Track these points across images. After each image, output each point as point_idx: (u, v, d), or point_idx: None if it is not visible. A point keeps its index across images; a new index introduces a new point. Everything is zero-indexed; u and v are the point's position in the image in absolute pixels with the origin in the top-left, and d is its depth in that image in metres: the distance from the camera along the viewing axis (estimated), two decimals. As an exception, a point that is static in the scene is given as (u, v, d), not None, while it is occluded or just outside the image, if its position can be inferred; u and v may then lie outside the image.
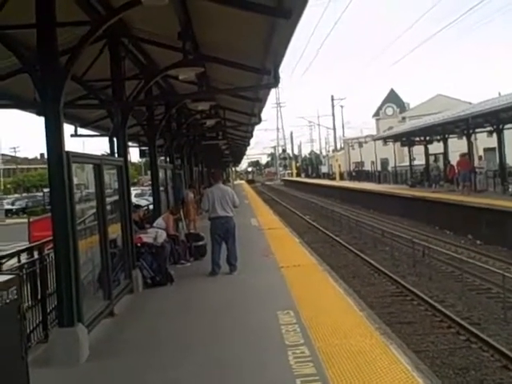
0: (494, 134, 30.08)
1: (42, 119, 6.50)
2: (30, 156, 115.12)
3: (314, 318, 7.46)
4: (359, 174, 59.96)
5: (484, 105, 28.30)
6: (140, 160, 75.29)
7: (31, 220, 20.65)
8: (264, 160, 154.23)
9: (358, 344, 6.36)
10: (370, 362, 5.77)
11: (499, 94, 39.12)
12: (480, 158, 36.29)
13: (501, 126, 28.97)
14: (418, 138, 39.02)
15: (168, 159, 18.34)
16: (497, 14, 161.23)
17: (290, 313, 7.79)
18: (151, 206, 15.57)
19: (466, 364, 9.18)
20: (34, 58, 6.86)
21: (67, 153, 6.44)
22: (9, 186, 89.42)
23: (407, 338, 10.34)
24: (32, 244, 8.99)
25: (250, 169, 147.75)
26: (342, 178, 64.97)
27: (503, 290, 11.93)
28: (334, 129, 74.52)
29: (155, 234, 11.33)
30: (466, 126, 30.72)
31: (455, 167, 30.51)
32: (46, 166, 6.67)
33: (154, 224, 12.41)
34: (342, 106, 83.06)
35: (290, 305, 8.24)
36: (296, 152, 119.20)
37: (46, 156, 6.49)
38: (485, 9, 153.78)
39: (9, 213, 52.58)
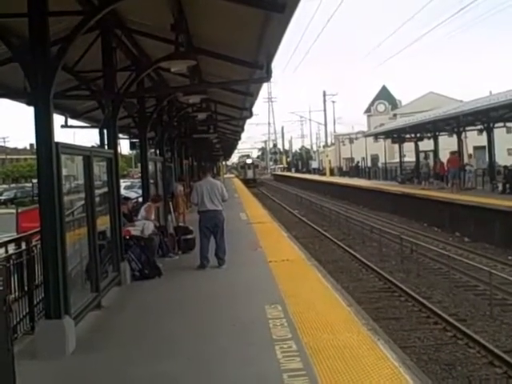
0: (484, 133, 30.25)
1: (32, 109, 6.44)
2: (20, 146, 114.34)
3: (301, 313, 7.48)
4: (356, 169, 59.61)
5: (475, 103, 28.42)
6: (130, 152, 74.92)
7: (19, 211, 20.55)
8: (255, 154, 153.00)
9: (346, 339, 6.37)
10: (357, 357, 5.79)
11: (490, 92, 39.30)
12: (470, 156, 36.46)
13: (491, 125, 29.16)
14: (408, 135, 39.18)
15: (158, 152, 18.27)
16: (489, 14, 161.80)
17: (277, 307, 7.80)
18: (140, 199, 15.51)
19: (452, 360, 9.26)
20: (25, 47, 6.78)
21: (57, 143, 6.39)
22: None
23: (394, 333, 10.40)
24: (19, 235, 8.94)
25: (249, 160, 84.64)
26: (332, 173, 65.05)
27: (490, 286, 12.02)
28: (326, 124, 74.72)
29: (142, 226, 11.29)
30: (456, 124, 30.89)
31: (445, 164, 30.64)
32: (35, 156, 6.62)
33: (139, 216, 12.32)
34: (333, 102, 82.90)
35: (278, 299, 8.25)
36: (287, 147, 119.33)
37: (35, 146, 6.44)
38: (478, 8, 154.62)
39: (-4, 203, 52.27)
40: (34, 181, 44.82)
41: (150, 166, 14.70)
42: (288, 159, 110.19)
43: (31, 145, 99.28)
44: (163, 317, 7.89)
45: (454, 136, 33.08)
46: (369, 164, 63.18)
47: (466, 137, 37.76)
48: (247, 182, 63.30)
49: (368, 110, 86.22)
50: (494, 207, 20.06)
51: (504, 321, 11.03)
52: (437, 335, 10.47)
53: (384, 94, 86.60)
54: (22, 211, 20.48)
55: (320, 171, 74.97)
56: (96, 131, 12.89)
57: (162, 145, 17.92)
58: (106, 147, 10.53)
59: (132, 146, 22.34)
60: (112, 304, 8.66)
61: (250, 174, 74.27)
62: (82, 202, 8.25)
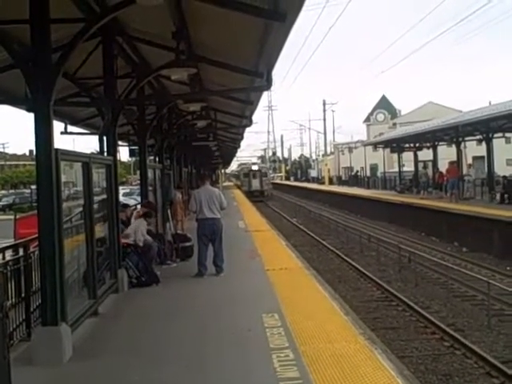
0: (483, 143, 30.30)
1: (31, 115, 6.45)
2: (19, 152, 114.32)
3: (298, 322, 7.46)
4: (355, 178, 59.57)
5: (474, 113, 28.48)
6: (129, 159, 74.75)
7: (18, 217, 20.52)
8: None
9: (343, 348, 6.36)
10: (354, 366, 5.78)
11: (489, 102, 39.44)
12: (469, 166, 36.50)
13: (490, 135, 29.19)
14: (407, 145, 39.22)
15: (158, 159, 18.28)
16: (489, 25, 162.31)
17: (274, 316, 7.78)
18: (139, 206, 15.49)
19: (449, 370, 9.24)
20: (27, 53, 6.81)
21: (56, 150, 6.39)
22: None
23: (392, 343, 10.38)
24: (17, 241, 8.93)
25: (255, 166, 64.32)
26: (331, 182, 65.04)
27: (488, 297, 12.02)
28: (325, 133, 74.85)
29: (133, 231, 11.06)
30: (455, 134, 30.93)
31: (444, 174, 30.68)
32: (34, 162, 6.62)
33: (132, 225, 12.06)
34: (333, 111, 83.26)
35: (276, 308, 8.23)
36: (286, 155, 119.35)
37: (34, 153, 6.44)
38: (477, 19, 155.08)
39: (-5, 209, 52.22)
40: (33, 187, 44.86)
41: (149, 174, 14.70)
42: (287, 167, 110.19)
43: (30, 151, 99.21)
44: (160, 324, 7.87)
45: (453, 146, 33.12)
46: (368, 173, 63.22)
47: (465, 147, 37.85)
48: (252, 195, 50.67)
49: (367, 120, 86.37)
50: (492, 217, 20.06)
51: (501, 331, 11.01)
52: (434, 345, 10.44)
53: (383, 104, 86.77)
54: (20, 217, 20.44)
55: (319, 180, 74.93)
56: (96, 138, 12.91)
57: (161, 152, 17.93)
58: (106, 154, 10.53)
59: (131, 153, 22.36)
60: (109, 311, 8.64)
61: (255, 184, 57.84)
62: (81, 209, 8.25)
